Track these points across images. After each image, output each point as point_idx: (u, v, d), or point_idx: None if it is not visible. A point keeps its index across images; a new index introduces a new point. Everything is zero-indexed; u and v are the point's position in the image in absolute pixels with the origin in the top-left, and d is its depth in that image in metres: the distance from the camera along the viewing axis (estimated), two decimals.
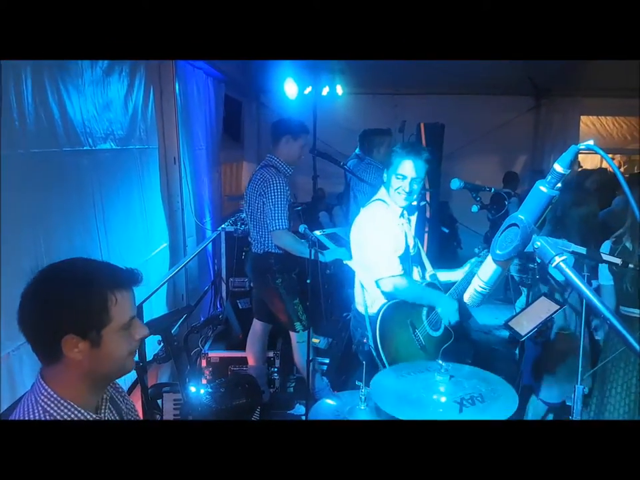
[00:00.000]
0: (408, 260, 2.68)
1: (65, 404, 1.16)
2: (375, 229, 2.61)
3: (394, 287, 2.53)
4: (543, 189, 1.06)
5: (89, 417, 1.20)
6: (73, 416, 1.16)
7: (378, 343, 2.47)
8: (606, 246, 2.79)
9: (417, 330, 2.59)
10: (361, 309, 2.74)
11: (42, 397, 1.15)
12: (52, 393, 1.15)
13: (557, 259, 1.02)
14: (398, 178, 2.56)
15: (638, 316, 2.68)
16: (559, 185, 1.04)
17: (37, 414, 1.13)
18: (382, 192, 2.71)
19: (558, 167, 1.04)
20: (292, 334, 3.56)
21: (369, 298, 2.69)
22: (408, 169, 2.53)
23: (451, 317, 2.52)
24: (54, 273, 1.16)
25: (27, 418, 1.13)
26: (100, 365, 1.19)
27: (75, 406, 1.17)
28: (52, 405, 1.15)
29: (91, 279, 1.15)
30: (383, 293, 2.59)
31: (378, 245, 2.57)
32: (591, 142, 0.99)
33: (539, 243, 1.05)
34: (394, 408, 1.80)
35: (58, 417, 1.15)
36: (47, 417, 1.14)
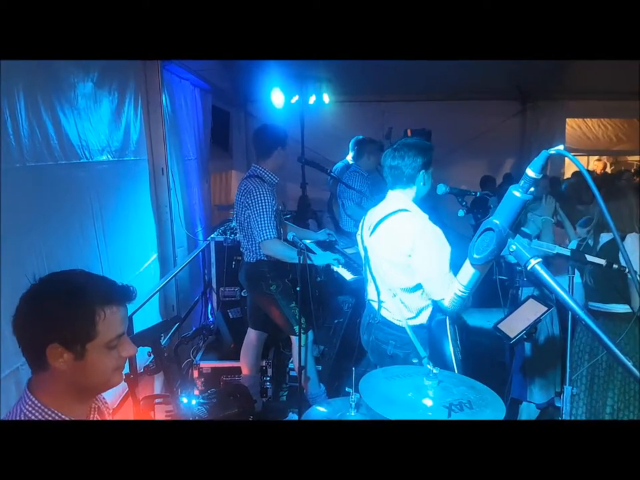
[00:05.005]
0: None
1: (49, 412, 1.16)
2: (431, 248, 2.35)
3: (461, 305, 2.30)
4: (517, 193, 1.08)
5: None
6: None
7: (455, 352, 2.42)
8: (573, 244, 3.12)
9: (457, 341, 2.57)
10: (396, 320, 2.53)
11: (26, 407, 1.16)
12: (36, 402, 1.16)
13: (532, 262, 1.04)
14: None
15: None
16: (532, 189, 1.07)
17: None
18: (402, 200, 2.48)
19: (530, 172, 1.07)
20: (293, 339, 3.55)
21: (410, 309, 2.50)
22: None
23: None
24: (50, 282, 1.17)
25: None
26: (83, 377, 1.19)
27: (59, 414, 1.17)
28: (36, 414, 1.15)
29: (83, 291, 1.15)
30: (445, 308, 2.38)
31: (439, 264, 2.32)
32: (560, 147, 1.01)
33: (514, 247, 1.08)
34: (382, 408, 1.79)
35: None
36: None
